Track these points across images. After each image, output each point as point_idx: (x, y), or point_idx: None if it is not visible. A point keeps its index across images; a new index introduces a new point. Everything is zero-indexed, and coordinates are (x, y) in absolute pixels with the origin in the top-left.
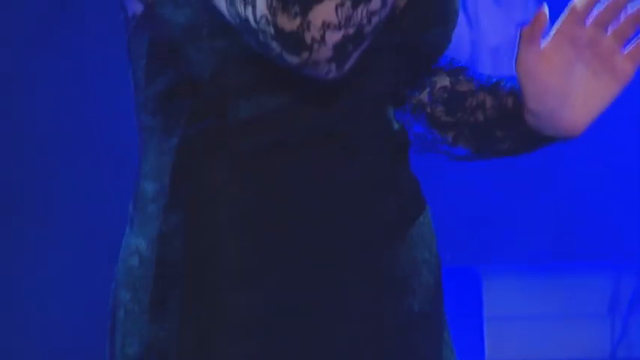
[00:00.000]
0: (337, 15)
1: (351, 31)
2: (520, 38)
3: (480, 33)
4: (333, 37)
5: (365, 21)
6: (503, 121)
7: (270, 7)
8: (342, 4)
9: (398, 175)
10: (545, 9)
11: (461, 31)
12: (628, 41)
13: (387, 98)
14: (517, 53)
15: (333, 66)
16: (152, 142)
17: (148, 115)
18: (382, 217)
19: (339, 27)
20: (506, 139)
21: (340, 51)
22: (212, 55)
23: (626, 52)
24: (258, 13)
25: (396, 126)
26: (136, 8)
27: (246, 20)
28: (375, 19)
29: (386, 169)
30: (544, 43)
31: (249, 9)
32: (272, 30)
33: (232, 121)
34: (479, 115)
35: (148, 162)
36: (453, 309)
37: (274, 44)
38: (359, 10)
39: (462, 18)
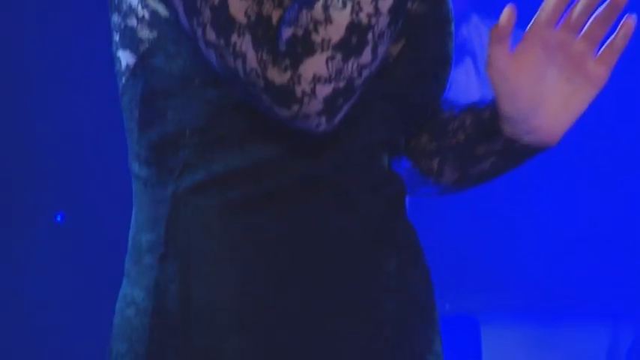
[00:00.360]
0: (328, 68)
1: (341, 84)
2: (489, 38)
3: (487, 80)
4: (324, 90)
5: (355, 74)
6: (482, 135)
7: (260, 60)
8: (332, 58)
9: (394, 225)
10: (513, 8)
11: (469, 79)
12: (602, 44)
13: (381, 148)
14: (488, 54)
15: (324, 119)
16: (146, 193)
17: (142, 165)
18: (378, 268)
19: (329, 80)
20: (488, 155)
21: (331, 104)
22: (204, 105)
23: (598, 56)
24: (248, 66)
25: (392, 175)
26: (129, 60)
27: (236, 73)
28: (365, 73)
29: (382, 218)
30: (516, 46)
31: (239, 62)
32: (262, 83)
33: (226, 171)
34: (460, 135)
35: (143, 213)
36: (452, 358)
37: (264, 97)
38: (349, 63)
39: (470, 65)
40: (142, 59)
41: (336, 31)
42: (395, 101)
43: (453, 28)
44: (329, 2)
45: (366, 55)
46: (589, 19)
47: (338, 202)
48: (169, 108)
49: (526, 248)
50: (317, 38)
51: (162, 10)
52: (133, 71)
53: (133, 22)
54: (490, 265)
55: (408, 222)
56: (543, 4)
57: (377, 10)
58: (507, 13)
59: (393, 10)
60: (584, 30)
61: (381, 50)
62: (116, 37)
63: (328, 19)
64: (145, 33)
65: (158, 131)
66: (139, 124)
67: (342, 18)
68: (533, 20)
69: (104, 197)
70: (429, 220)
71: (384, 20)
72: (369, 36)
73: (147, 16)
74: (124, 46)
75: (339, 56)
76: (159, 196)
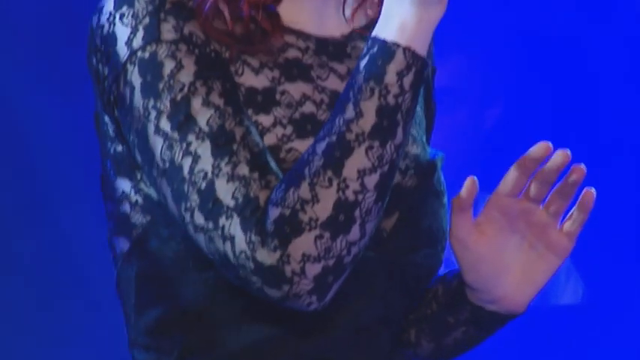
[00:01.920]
0: (317, 247)
1: (331, 262)
2: (451, 208)
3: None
4: (314, 269)
5: (344, 252)
6: (451, 304)
7: (249, 242)
8: (321, 236)
9: None
10: (474, 178)
11: None
12: (566, 213)
13: (379, 325)
14: (450, 224)
15: (315, 297)
16: None
17: (140, 350)
18: None
19: (318, 259)
20: (458, 324)
21: (321, 282)
22: (199, 287)
23: (561, 227)
24: (237, 249)
25: (393, 354)
26: (123, 246)
27: (225, 256)
28: (354, 250)
29: None
30: (478, 215)
31: (228, 245)
32: (252, 265)
33: (224, 351)
34: (433, 305)
35: None
36: None
37: (254, 279)
38: (338, 241)
39: None
40: (136, 244)
41: (323, 210)
42: (391, 276)
43: (446, 200)
44: (315, 180)
45: (355, 233)
46: (551, 189)
47: None
48: (164, 291)
49: None
50: (304, 217)
51: (154, 194)
52: (128, 257)
53: (126, 207)
54: None
55: None
56: (505, 176)
57: (363, 186)
58: (469, 185)
59: (380, 186)
60: (546, 201)
61: (370, 227)
62: (110, 224)
63: (315, 198)
64: (138, 218)
65: (154, 315)
66: (135, 310)
67: (328, 196)
68: (495, 191)
69: None
70: None
71: (370, 196)
72: (357, 213)
73: (140, 200)
74: (118, 233)
75: (327, 234)
76: None
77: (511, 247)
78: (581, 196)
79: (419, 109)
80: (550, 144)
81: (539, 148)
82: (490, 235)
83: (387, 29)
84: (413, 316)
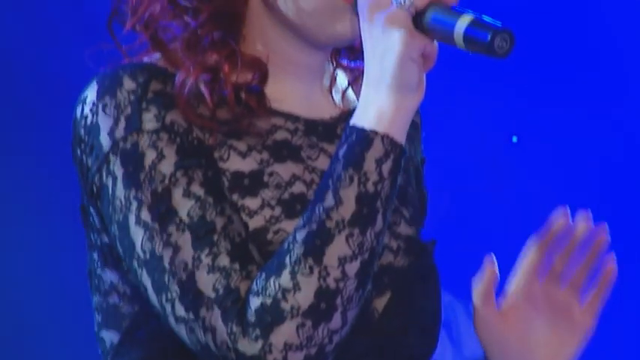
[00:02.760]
0: (299, 335)
1: (312, 350)
2: (474, 297)
3: (463, 350)
4: (295, 358)
5: (326, 340)
6: None
7: (230, 333)
8: (303, 325)
9: None
10: (494, 264)
11: (444, 351)
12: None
13: None
14: (474, 314)
15: None
16: None
17: None
18: None
19: (301, 347)
20: None
21: None
22: None
23: (584, 305)
24: (219, 340)
25: None
26: (113, 338)
27: (207, 347)
28: (336, 338)
29: None
30: (503, 302)
31: (209, 336)
32: (233, 356)
33: None
34: None
35: None
36: None
37: None
38: (320, 329)
39: (444, 338)
40: (126, 335)
41: (304, 298)
42: (381, 355)
43: (439, 281)
44: (296, 269)
45: (336, 321)
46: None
47: None
48: None
49: None
50: (286, 306)
51: None
52: (117, 349)
53: (114, 299)
54: None
55: None
56: (524, 258)
57: (344, 274)
58: (489, 270)
59: (360, 274)
60: (569, 280)
61: (351, 315)
62: (98, 318)
63: (296, 286)
64: (127, 308)
65: None
66: None
67: (309, 284)
68: (516, 275)
69: None
70: None
71: (351, 284)
72: (338, 301)
73: (128, 291)
74: (107, 326)
75: (309, 323)
76: None
77: (536, 330)
78: (603, 273)
79: (412, 192)
80: (567, 210)
81: (557, 220)
82: (515, 320)
83: (365, 117)
84: None
